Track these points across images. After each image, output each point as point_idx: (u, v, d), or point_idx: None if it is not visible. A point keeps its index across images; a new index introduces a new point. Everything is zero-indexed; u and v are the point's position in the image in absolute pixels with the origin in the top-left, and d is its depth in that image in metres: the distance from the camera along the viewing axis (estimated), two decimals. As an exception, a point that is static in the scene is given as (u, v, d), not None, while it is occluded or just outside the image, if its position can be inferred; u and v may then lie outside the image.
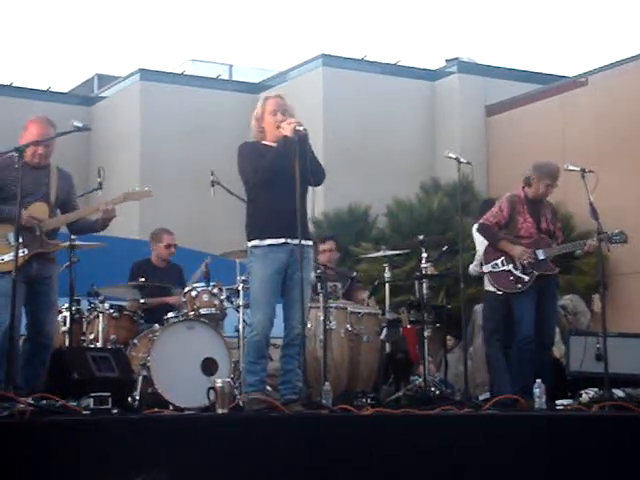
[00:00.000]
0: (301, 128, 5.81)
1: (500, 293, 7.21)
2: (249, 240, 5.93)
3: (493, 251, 7.19)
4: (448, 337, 10.71)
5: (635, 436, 5.68)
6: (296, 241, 5.67)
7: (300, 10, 45.53)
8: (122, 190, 6.38)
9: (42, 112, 6.48)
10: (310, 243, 5.99)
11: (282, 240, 5.79)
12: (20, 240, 5.76)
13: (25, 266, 5.84)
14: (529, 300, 7.04)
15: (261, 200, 5.89)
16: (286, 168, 5.72)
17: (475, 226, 7.71)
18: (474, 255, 8.00)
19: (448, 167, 7.35)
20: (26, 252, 5.90)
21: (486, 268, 7.18)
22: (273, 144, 5.92)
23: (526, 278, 7.05)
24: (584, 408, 6.49)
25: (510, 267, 7.09)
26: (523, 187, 7.31)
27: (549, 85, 18.05)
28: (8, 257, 5.76)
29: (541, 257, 7.10)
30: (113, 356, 6.34)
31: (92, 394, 5.35)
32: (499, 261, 7.13)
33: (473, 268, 7.95)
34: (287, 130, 5.82)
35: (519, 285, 7.05)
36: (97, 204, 6.22)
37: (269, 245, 5.82)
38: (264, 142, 6.00)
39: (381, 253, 8.30)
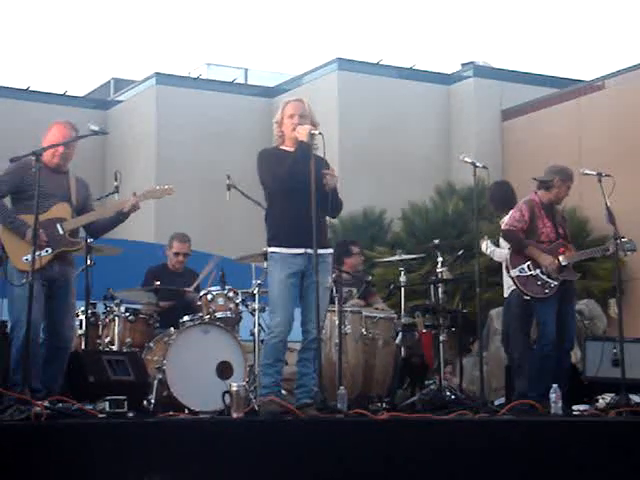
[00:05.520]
0: (316, 132, 5.83)
1: (528, 298, 7.14)
2: (269, 246, 5.95)
3: (519, 255, 7.14)
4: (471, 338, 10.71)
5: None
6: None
7: (315, 14, 45.60)
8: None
9: (59, 116, 6.53)
10: (330, 251, 6.01)
11: (302, 250, 5.80)
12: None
13: (46, 268, 5.87)
14: (552, 306, 7.01)
15: (281, 207, 5.90)
16: (304, 173, 5.72)
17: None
18: (489, 259, 7.95)
19: (463, 171, 7.33)
20: (50, 251, 5.93)
21: (513, 273, 7.10)
22: (291, 149, 5.93)
23: (553, 283, 7.02)
24: (601, 413, 6.45)
25: (537, 272, 7.05)
26: (536, 191, 7.27)
27: (565, 89, 18.00)
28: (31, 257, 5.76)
29: (564, 263, 7.08)
30: (129, 359, 6.36)
31: (108, 397, 5.35)
32: (525, 266, 7.07)
33: (489, 249, 7.74)
34: (302, 135, 5.83)
35: (546, 290, 7.02)
36: (119, 203, 6.23)
37: (289, 253, 5.84)
38: (282, 147, 6.02)
39: (396, 257, 8.29)
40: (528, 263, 7.06)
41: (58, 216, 6.02)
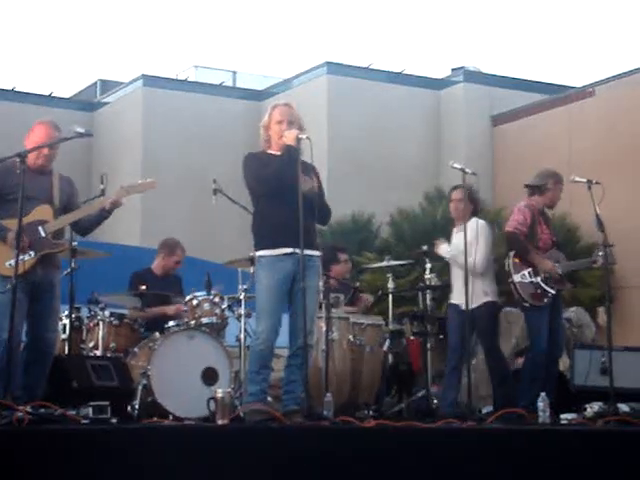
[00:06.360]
0: (303, 136, 5.79)
1: (527, 305, 7.09)
2: (257, 250, 5.89)
3: (521, 261, 7.08)
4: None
5: (640, 452, 5.61)
6: (304, 251, 5.62)
7: (305, 17, 45.65)
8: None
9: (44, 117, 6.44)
10: (317, 253, 5.95)
11: (290, 250, 5.74)
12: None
13: (30, 272, 5.79)
14: (546, 315, 7.01)
15: (267, 210, 5.87)
16: (291, 177, 5.68)
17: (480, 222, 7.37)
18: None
19: (453, 177, 7.26)
20: (32, 255, 5.85)
21: (516, 278, 7.06)
22: (278, 153, 5.88)
23: (550, 292, 7.00)
24: (589, 422, 6.43)
25: (538, 279, 7.02)
26: (530, 196, 7.23)
27: (556, 95, 18.04)
28: (14, 262, 5.68)
29: (559, 272, 7.06)
30: (113, 365, 6.31)
31: (91, 403, 5.29)
32: (526, 272, 7.04)
33: (450, 253, 7.28)
34: (290, 139, 5.79)
35: (545, 299, 7.01)
36: (102, 200, 6.16)
37: (277, 255, 5.78)
38: (269, 151, 5.97)
39: (385, 263, 8.26)
40: (529, 269, 7.03)
41: (39, 218, 5.94)
